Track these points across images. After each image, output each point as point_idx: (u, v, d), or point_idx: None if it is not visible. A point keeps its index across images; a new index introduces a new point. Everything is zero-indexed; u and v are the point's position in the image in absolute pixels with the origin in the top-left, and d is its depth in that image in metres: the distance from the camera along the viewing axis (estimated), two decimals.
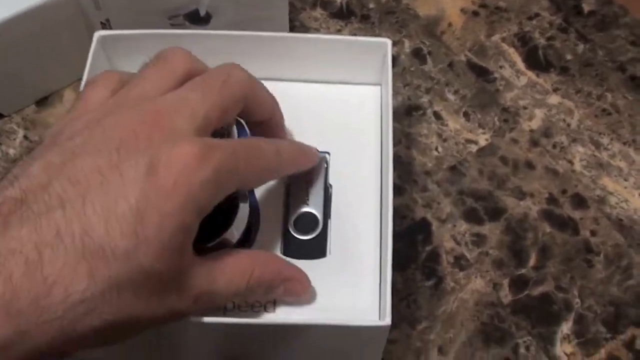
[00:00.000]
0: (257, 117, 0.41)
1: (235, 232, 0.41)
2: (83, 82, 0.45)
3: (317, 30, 0.62)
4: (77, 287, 0.30)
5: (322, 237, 0.44)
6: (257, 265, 0.38)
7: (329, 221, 0.45)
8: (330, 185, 0.46)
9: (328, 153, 0.47)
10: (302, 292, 0.41)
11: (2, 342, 0.30)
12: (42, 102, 0.59)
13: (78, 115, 0.37)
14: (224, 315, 0.42)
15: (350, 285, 0.43)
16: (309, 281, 0.41)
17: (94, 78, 0.40)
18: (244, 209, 0.41)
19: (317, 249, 0.44)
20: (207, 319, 0.39)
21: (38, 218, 0.31)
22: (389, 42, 0.47)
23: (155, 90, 0.37)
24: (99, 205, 0.31)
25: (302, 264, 0.44)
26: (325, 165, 0.47)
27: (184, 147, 0.33)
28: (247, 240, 0.44)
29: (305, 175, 0.46)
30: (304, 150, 0.44)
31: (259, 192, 0.45)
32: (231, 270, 0.37)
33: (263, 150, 0.38)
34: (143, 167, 0.32)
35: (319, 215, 0.45)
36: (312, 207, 0.45)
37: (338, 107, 0.50)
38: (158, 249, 0.32)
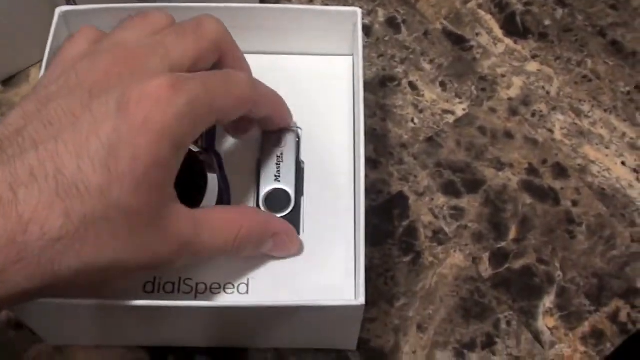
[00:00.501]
0: (231, 69, 0.40)
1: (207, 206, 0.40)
2: (44, 62, 0.44)
3: (288, 1, 0.60)
4: (53, 225, 0.30)
5: (295, 215, 0.43)
6: (246, 220, 0.38)
7: (302, 199, 0.44)
8: (303, 162, 0.45)
9: (300, 128, 0.46)
10: (291, 246, 0.41)
11: None
12: (8, 81, 0.57)
13: (55, 67, 0.37)
14: (196, 299, 0.41)
15: (325, 264, 0.42)
16: (296, 235, 0.42)
17: (72, 34, 0.39)
18: (213, 181, 0.40)
19: None
20: (183, 303, 0.38)
21: (12, 160, 0.31)
22: (359, 11, 0.46)
23: (133, 38, 0.37)
24: (71, 144, 0.31)
25: None
26: (297, 140, 0.45)
27: (154, 81, 0.32)
28: None
29: (276, 150, 0.44)
30: (279, 96, 0.43)
31: (229, 168, 0.44)
32: (220, 223, 0.37)
33: (237, 78, 0.38)
34: (113, 104, 0.32)
35: (291, 192, 0.43)
36: (284, 184, 0.44)
37: (309, 80, 0.48)
38: (132, 185, 0.31)
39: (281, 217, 0.43)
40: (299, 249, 0.42)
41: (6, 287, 0.30)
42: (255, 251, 0.40)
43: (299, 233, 0.43)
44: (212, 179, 0.41)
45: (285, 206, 0.43)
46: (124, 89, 0.32)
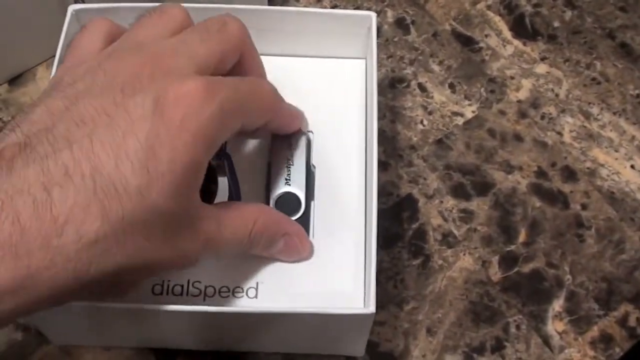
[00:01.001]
0: (250, 72, 0.40)
1: None
2: (56, 60, 0.43)
3: (297, 0, 0.60)
4: (90, 227, 0.29)
5: (305, 219, 0.43)
6: (261, 216, 0.38)
7: (312, 202, 0.44)
8: (314, 166, 0.45)
9: (311, 131, 0.46)
10: (302, 249, 0.41)
11: (12, 286, 0.28)
12: (15, 80, 0.57)
13: (76, 63, 0.36)
14: (205, 302, 0.41)
15: (334, 269, 0.42)
16: (307, 238, 0.42)
17: (84, 26, 0.39)
18: (223, 184, 0.41)
19: None
20: (191, 308, 0.38)
21: (45, 159, 0.30)
22: (373, 15, 0.45)
23: (154, 37, 0.36)
24: (107, 144, 0.30)
25: None
26: (308, 143, 0.45)
27: (189, 83, 0.32)
28: None
29: (287, 153, 0.44)
30: (299, 111, 0.44)
31: (239, 170, 0.43)
32: (237, 219, 0.37)
33: (264, 87, 0.38)
34: (150, 104, 0.31)
35: (301, 196, 0.43)
36: (294, 188, 0.43)
37: (321, 83, 0.48)
38: (171, 186, 0.31)
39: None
40: (309, 254, 0.42)
41: (38, 292, 0.29)
42: (266, 250, 0.40)
43: (309, 237, 0.43)
44: (222, 182, 0.41)
45: (296, 210, 0.43)
46: (159, 90, 0.32)
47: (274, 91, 0.39)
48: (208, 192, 0.40)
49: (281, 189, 0.43)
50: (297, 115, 0.43)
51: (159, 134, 0.31)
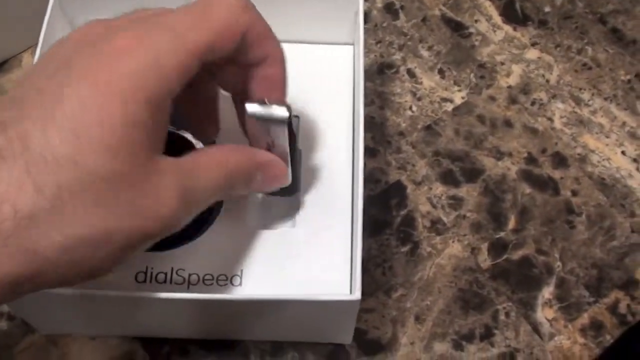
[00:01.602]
0: (255, 51, 0.37)
1: None
2: (39, 47, 0.43)
3: None
4: (24, 202, 0.29)
5: (294, 203, 0.43)
6: (231, 155, 0.36)
7: (299, 183, 0.43)
8: (300, 150, 0.44)
9: (297, 117, 0.45)
10: (280, 175, 0.40)
11: None
12: (0, 67, 0.56)
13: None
14: (189, 290, 0.41)
15: (320, 256, 0.42)
16: (282, 163, 0.39)
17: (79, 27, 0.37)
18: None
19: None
20: (175, 295, 0.37)
21: None
22: None
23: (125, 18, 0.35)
24: (37, 119, 0.30)
25: (269, 233, 0.42)
26: (289, 126, 0.44)
27: (116, 38, 0.31)
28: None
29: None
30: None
31: None
32: (209, 164, 0.35)
33: (218, 4, 0.35)
34: (76, 71, 0.31)
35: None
36: None
37: (309, 68, 0.47)
38: (105, 148, 0.30)
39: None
40: (288, 177, 0.40)
41: None
42: (246, 187, 0.38)
43: (294, 224, 0.42)
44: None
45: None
46: (87, 56, 0.31)
47: (235, 5, 0.35)
48: None
49: None
50: (274, 38, 0.38)
51: (84, 99, 0.30)
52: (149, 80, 0.31)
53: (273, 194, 0.41)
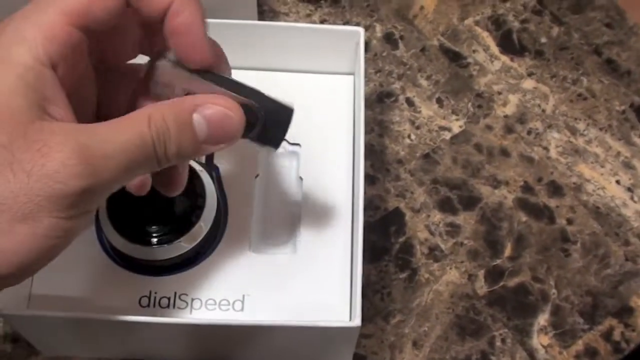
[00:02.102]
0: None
1: (202, 224, 0.40)
2: None
3: (286, 15, 0.60)
4: None
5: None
6: (154, 107, 0.32)
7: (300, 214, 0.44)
8: (301, 178, 0.45)
9: (299, 145, 0.46)
10: (230, 112, 0.33)
11: None
12: None
13: None
14: (192, 315, 0.41)
15: (321, 282, 0.42)
16: (226, 97, 0.33)
17: None
18: (211, 195, 0.41)
19: None
20: (178, 320, 0.38)
21: None
22: (361, 30, 0.46)
23: None
24: None
25: (271, 259, 0.43)
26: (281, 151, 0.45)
27: None
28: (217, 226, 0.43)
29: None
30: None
31: (226, 182, 0.44)
32: (120, 122, 0.31)
33: None
34: None
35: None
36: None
37: (309, 97, 0.48)
38: None
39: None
40: (239, 112, 0.33)
41: None
42: (192, 141, 0.32)
43: (295, 250, 0.43)
44: (211, 192, 0.41)
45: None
46: None
47: None
48: (196, 202, 0.41)
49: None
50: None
51: None
52: (19, 48, 0.30)
53: (258, 141, 0.35)
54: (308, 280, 0.42)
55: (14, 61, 0.30)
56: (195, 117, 0.32)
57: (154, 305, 0.42)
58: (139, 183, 0.36)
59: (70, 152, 0.29)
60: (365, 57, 0.47)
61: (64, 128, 0.30)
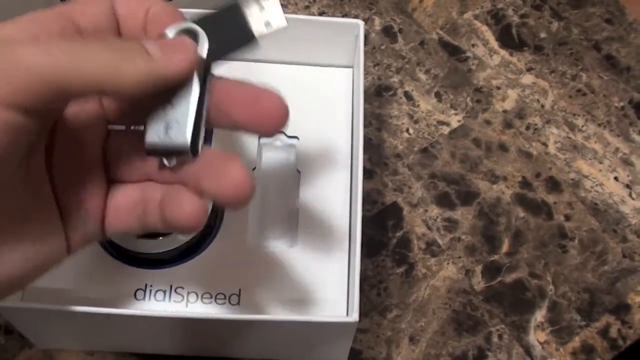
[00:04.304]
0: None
1: None
2: None
3: (284, 6, 0.60)
4: None
5: (292, 225, 0.43)
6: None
7: (297, 209, 0.44)
8: (299, 171, 0.45)
9: (297, 137, 0.46)
10: (184, 44, 0.29)
11: None
12: None
13: None
14: (187, 308, 0.41)
15: (318, 276, 0.42)
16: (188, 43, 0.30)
17: None
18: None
19: None
20: (174, 313, 0.38)
21: None
22: (361, 23, 0.46)
23: None
24: None
25: (267, 252, 0.43)
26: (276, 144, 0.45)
27: None
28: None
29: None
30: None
31: None
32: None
33: None
34: None
35: None
36: None
37: (307, 90, 0.48)
38: None
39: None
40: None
41: None
42: (143, 59, 0.27)
43: (294, 244, 0.43)
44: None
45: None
46: None
47: None
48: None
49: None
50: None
51: None
52: None
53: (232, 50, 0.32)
54: (305, 274, 0.42)
55: None
56: (151, 46, 0.28)
57: (150, 299, 0.42)
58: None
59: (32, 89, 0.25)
60: (364, 50, 0.46)
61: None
